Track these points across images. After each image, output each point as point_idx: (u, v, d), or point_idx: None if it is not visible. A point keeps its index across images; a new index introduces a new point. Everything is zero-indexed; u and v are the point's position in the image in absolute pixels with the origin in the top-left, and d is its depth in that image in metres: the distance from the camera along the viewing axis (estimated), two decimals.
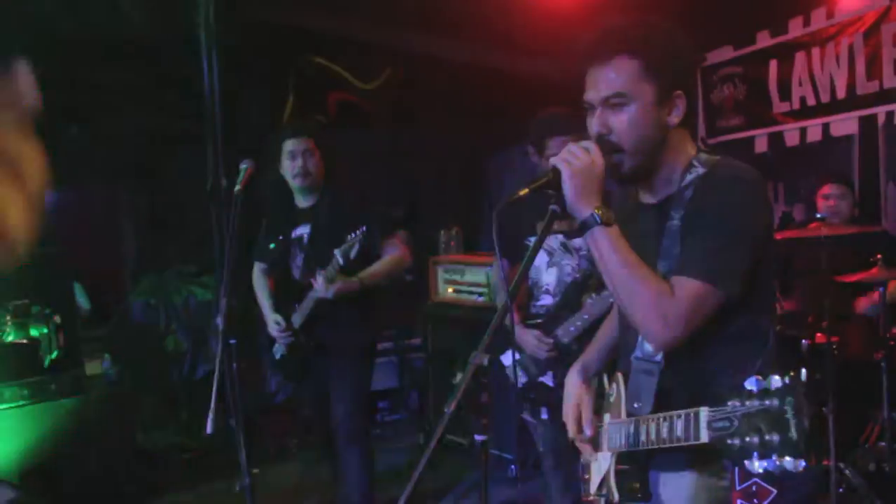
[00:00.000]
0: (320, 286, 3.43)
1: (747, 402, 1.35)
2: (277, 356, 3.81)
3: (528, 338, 3.13)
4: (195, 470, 5.01)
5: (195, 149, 4.20)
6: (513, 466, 4.52)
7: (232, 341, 2.83)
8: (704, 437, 1.50)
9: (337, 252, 3.32)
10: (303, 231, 3.68)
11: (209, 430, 2.67)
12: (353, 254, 3.32)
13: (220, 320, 2.84)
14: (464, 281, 5.29)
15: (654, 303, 1.63)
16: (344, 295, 3.47)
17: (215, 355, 2.89)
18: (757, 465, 1.30)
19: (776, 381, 1.33)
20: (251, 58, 5.24)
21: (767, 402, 1.32)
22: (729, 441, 1.36)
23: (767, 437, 1.30)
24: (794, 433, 1.29)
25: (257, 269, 3.89)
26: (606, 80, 1.72)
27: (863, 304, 4.25)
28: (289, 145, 3.57)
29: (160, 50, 4.92)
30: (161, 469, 5.04)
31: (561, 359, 3.11)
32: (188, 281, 5.98)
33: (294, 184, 3.63)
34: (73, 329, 4.50)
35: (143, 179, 6.15)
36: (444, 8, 5.23)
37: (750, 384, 1.35)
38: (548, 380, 3.18)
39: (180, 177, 5.82)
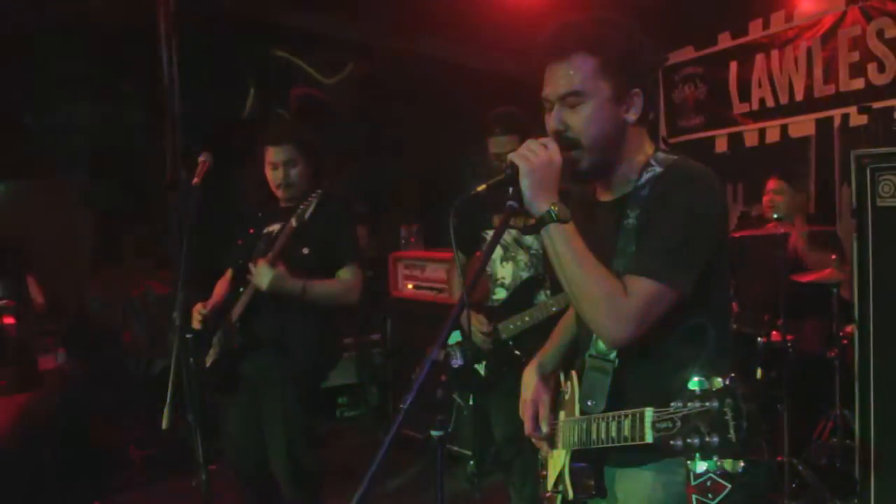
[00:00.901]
0: (256, 271, 3.08)
1: (689, 404, 1.37)
2: (208, 363, 3.38)
3: (473, 319, 3.18)
4: (152, 466, 4.95)
5: (153, 140, 4.14)
6: (471, 462, 4.53)
7: (189, 336, 2.78)
8: (649, 437, 1.53)
9: (292, 218, 3.01)
10: (275, 227, 3.34)
11: (165, 425, 2.63)
12: (307, 214, 3.00)
13: (176, 315, 2.80)
14: (424, 276, 5.30)
15: (607, 301, 1.63)
16: (280, 293, 3.08)
17: (172, 351, 2.83)
18: (699, 466, 1.33)
19: (718, 382, 1.36)
20: (213, 50, 5.18)
21: (708, 404, 1.35)
22: (672, 442, 1.39)
23: (707, 439, 1.33)
24: (732, 434, 1.32)
25: (230, 273, 3.53)
26: (564, 77, 1.73)
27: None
28: (270, 154, 3.29)
29: (118, 40, 4.84)
30: (117, 465, 4.97)
31: (496, 352, 3.17)
32: (146, 275, 5.90)
33: (276, 193, 3.35)
34: (26, 323, 4.41)
35: (100, 171, 6.04)
36: (408, 5, 5.22)
37: (693, 385, 1.38)
38: (481, 368, 3.25)
39: (138, 168, 5.74)
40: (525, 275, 3.23)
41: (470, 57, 6.18)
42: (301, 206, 3.03)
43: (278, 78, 6.14)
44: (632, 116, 1.76)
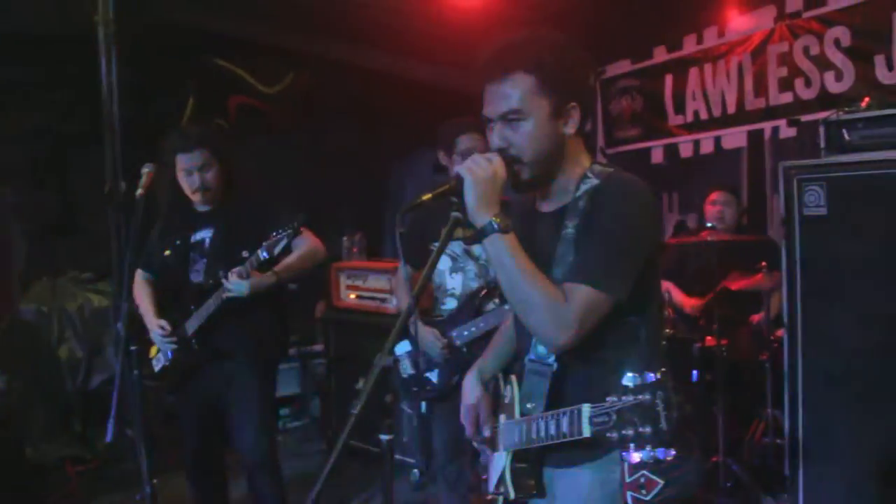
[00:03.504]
0: (233, 284, 3.17)
1: (623, 398, 1.45)
2: (158, 367, 3.54)
3: (426, 334, 3.20)
4: (91, 482, 4.84)
5: (91, 150, 4.06)
6: (416, 471, 4.55)
7: (132, 348, 2.75)
8: (587, 432, 1.60)
9: (261, 250, 3.07)
10: (204, 235, 3.43)
11: (108, 437, 2.59)
12: (277, 250, 3.07)
13: (120, 326, 2.76)
14: (366, 286, 5.30)
15: (547, 308, 1.69)
16: (260, 292, 3.23)
17: (112, 364, 2.79)
18: (634, 456, 1.41)
19: (649, 377, 1.44)
20: (152, 58, 5.10)
21: (640, 397, 1.42)
22: (608, 434, 1.47)
23: (641, 429, 1.42)
24: (663, 424, 1.40)
25: (140, 278, 3.56)
26: (503, 96, 1.78)
27: (756, 319, 4.48)
28: (181, 161, 3.32)
29: (54, 47, 4.74)
30: (53, 483, 4.84)
31: (450, 360, 3.20)
32: (84, 287, 5.76)
33: (193, 198, 3.40)
34: None
35: (35, 181, 5.89)
36: (349, 15, 5.24)
37: (627, 381, 1.46)
38: (432, 376, 3.27)
39: (75, 179, 5.61)
40: (475, 284, 3.27)
41: (412, 69, 6.21)
42: (268, 242, 3.06)
43: (218, 87, 6.08)
44: (570, 129, 1.83)
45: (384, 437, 1.63)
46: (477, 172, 1.72)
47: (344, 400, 5.23)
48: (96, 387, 5.58)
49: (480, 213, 1.72)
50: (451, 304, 3.33)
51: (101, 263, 5.23)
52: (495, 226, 1.71)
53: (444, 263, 3.32)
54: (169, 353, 3.48)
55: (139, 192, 2.97)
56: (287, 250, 3.27)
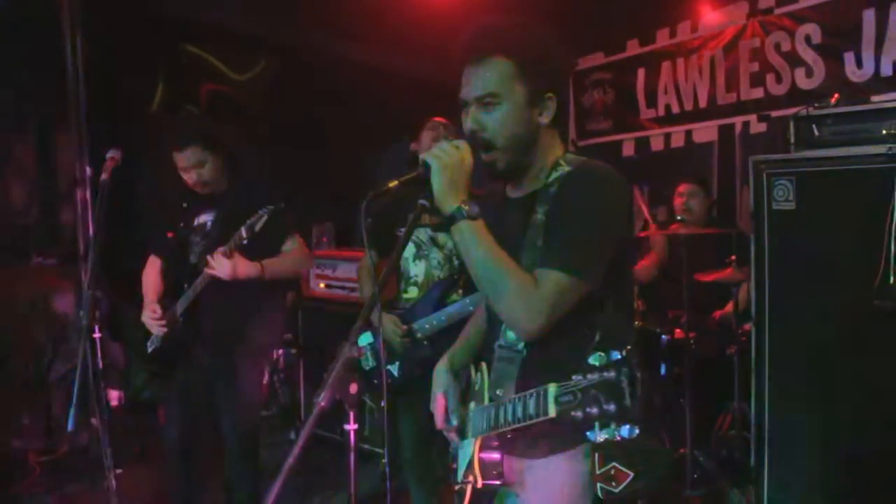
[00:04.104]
0: (216, 263, 3.16)
1: (588, 376, 1.44)
2: (150, 349, 3.54)
3: (386, 322, 3.20)
4: (53, 472, 4.77)
5: (58, 136, 3.98)
6: (383, 461, 4.53)
7: (96, 336, 2.70)
8: (552, 411, 1.57)
9: (242, 228, 3.08)
10: (206, 218, 3.45)
11: (70, 426, 2.55)
12: (258, 226, 3.07)
13: (83, 313, 2.71)
14: (335, 276, 5.28)
15: (517, 294, 1.68)
16: (244, 279, 3.20)
17: (76, 352, 2.75)
18: (598, 436, 1.40)
19: (614, 354, 1.44)
20: (121, 42, 5.02)
21: (605, 374, 1.42)
22: (573, 413, 1.46)
23: (605, 407, 1.41)
24: (627, 401, 1.39)
25: (151, 262, 3.61)
26: (481, 79, 1.77)
27: (717, 315, 4.53)
28: (177, 160, 3.32)
29: (18, 28, 4.64)
30: (16, 473, 4.77)
31: (411, 353, 3.19)
32: (48, 274, 5.66)
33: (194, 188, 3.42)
34: None
35: None
36: (323, 2, 5.19)
37: (592, 359, 1.45)
38: (394, 369, 3.25)
39: (41, 164, 5.50)
40: (438, 273, 3.26)
41: (386, 58, 6.17)
42: (251, 220, 3.07)
43: (188, 73, 6.00)
44: (545, 119, 1.82)
45: (348, 427, 1.61)
46: (444, 159, 1.70)
47: (313, 389, 5.21)
48: (60, 376, 5.50)
49: (448, 199, 1.70)
50: (413, 292, 3.32)
51: (65, 249, 5.14)
52: (463, 212, 1.70)
53: (408, 250, 3.31)
54: (159, 335, 3.48)
55: (103, 176, 2.93)
56: (278, 247, 3.36)
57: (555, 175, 1.80)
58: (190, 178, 3.34)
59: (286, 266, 3.44)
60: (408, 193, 1.73)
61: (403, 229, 1.68)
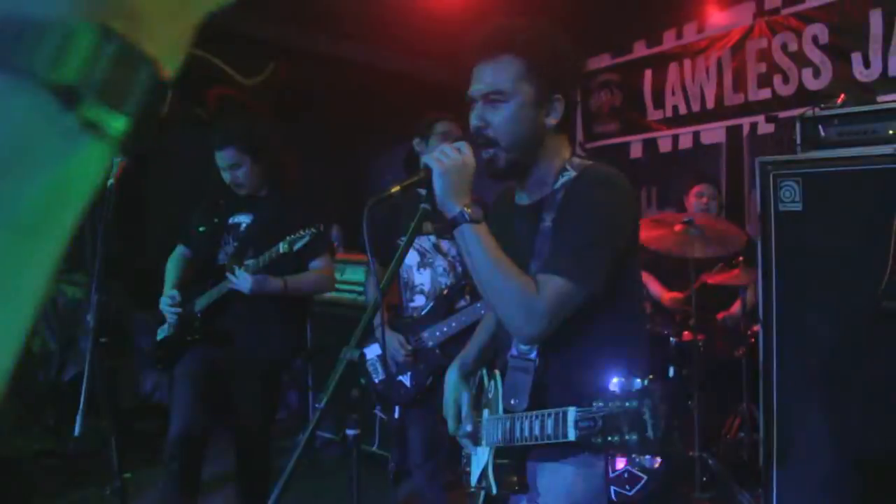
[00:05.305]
0: (239, 278, 3.18)
1: (610, 404, 1.44)
2: (159, 336, 3.55)
3: (391, 341, 3.19)
4: (63, 475, 4.78)
5: None
6: (392, 464, 4.53)
7: (103, 340, 2.71)
8: (572, 435, 1.57)
9: (282, 243, 3.11)
10: (242, 219, 3.47)
11: (77, 431, 2.56)
12: (298, 246, 3.12)
13: (90, 318, 2.72)
14: (343, 279, 5.28)
15: (518, 298, 1.67)
16: (264, 294, 3.22)
17: (85, 356, 2.75)
18: (618, 463, 1.40)
19: (637, 383, 1.42)
20: None
21: (627, 404, 1.41)
22: (593, 440, 1.45)
23: (627, 437, 1.40)
24: (650, 433, 1.38)
25: (178, 252, 3.64)
26: (489, 76, 1.78)
27: (721, 316, 4.51)
28: (217, 158, 3.37)
29: None
30: (25, 476, 4.78)
31: (423, 362, 3.18)
32: (56, 278, 5.69)
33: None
34: None
35: None
36: (330, 6, 5.19)
37: (613, 386, 1.44)
38: (405, 379, 3.24)
39: None
40: (444, 280, 3.25)
41: (394, 61, 6.18)
42: (292, 237, 3.12)
43: (196, 77, 6.02)
44: (551, 121, 1.81)
45: (350, 433, 1.61)
46: (444, 162, 1.70)
47: (320, 392, 5.21)
48: (70, 379, 5.52)
49: (450, 203, 1.70)
50: (419, 300, 3.31)
51: (74, 254, 5.16)
52: (466, 216, 1.69)
53: (412, 259, 3.30)
54: (173, 323, 3.49)
55: (111, 181, 2.93)
56: (307, 263, 3.36)
57: (561, 180, 1.80)
58: (226, 177, 3.40)
59: (308, 285, 3.46)
60: (408, 201, 1.73)
61: (405, 238, 1.68)
